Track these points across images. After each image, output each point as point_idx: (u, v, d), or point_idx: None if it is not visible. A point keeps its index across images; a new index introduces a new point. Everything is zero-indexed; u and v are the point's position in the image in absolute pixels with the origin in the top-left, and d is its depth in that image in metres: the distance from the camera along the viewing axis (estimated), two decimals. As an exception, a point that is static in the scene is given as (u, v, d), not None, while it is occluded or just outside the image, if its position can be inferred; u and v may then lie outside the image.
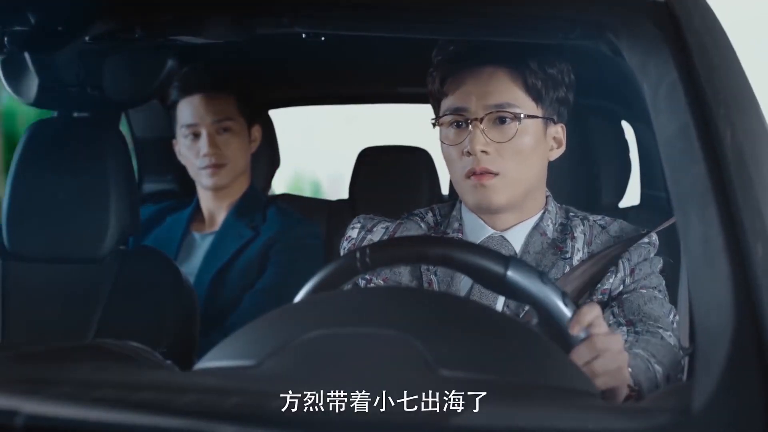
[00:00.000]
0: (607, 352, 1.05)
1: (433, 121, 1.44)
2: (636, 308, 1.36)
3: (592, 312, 1.06)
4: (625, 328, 1.33)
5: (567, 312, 1.05)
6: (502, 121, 1.38)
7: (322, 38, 1.32)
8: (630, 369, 1.14)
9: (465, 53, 1.41)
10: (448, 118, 1.41)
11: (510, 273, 1.06)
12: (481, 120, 1.38)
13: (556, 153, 1.46)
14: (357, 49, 2.22)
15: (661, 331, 1.33)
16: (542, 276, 1.06)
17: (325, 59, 2.38)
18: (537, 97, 1.40)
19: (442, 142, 1.43)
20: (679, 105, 0.95)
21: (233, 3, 1.25)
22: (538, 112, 1.41)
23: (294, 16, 1.22)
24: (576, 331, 1.05)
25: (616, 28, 1.09)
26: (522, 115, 1.38)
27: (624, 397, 1.12)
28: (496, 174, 1.38)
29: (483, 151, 1.37)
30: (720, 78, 0.97)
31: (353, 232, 1.50)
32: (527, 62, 1.39)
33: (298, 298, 1.16)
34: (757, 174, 0.88)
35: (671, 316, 1.38)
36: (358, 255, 1.14)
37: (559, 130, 1.45)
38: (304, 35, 1.29)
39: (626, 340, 1.28)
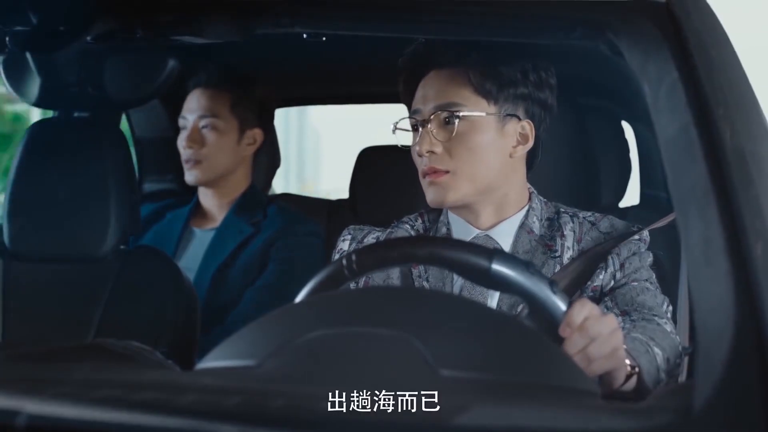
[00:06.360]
0: (600, 335, 1.06)
1: (392, 127, 1.49)
2: (629, 300, 1.37)
3: (584, 310, 1.06)
4: (620, 318, 1.33)
5: (555, 300, 1.05)
6: (448, 120, 1.41)
7: (323, 38, 1.32)
8: (627, 350, 1.14)
9: (422, 57, 1.45)
10: (411, 121, 1.46)
11: (495, 266, 1.07)
12: (429, 122, 1.41)
13: (522, 149, 1.46)
14: (357, 49, 2.22)
15: (656, 318, 1.33)
16: (528, 266, 1.07)
17: (325, 59, 2.38)
18: (487, 95, 1.41)
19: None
20: (679, 105, 0.95)
21: (233, 3, 1.25)
22: (491, 109, 1.42)
23: (294, 16, 1.22)
24: (568, 334, 1.05)
25: (616, 28, 1.09)
26: (460, 113, 1.40)
27: (624, 378, 1.13)
28: (446, 172, 1.41)
29: (430, 152, 1.41)
30: (720, 77, 0.97)
31: (344, 245, 1.51)
32: (478, 63, 1.41)
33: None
34: (757, 173, 0.88)
35: (665, 306, 1.39)
36: (344, 262, 1.14)
37: (525, 126, 1.45)
38: (304, 35, 1.30)
39: (623, 327, 1.28)
